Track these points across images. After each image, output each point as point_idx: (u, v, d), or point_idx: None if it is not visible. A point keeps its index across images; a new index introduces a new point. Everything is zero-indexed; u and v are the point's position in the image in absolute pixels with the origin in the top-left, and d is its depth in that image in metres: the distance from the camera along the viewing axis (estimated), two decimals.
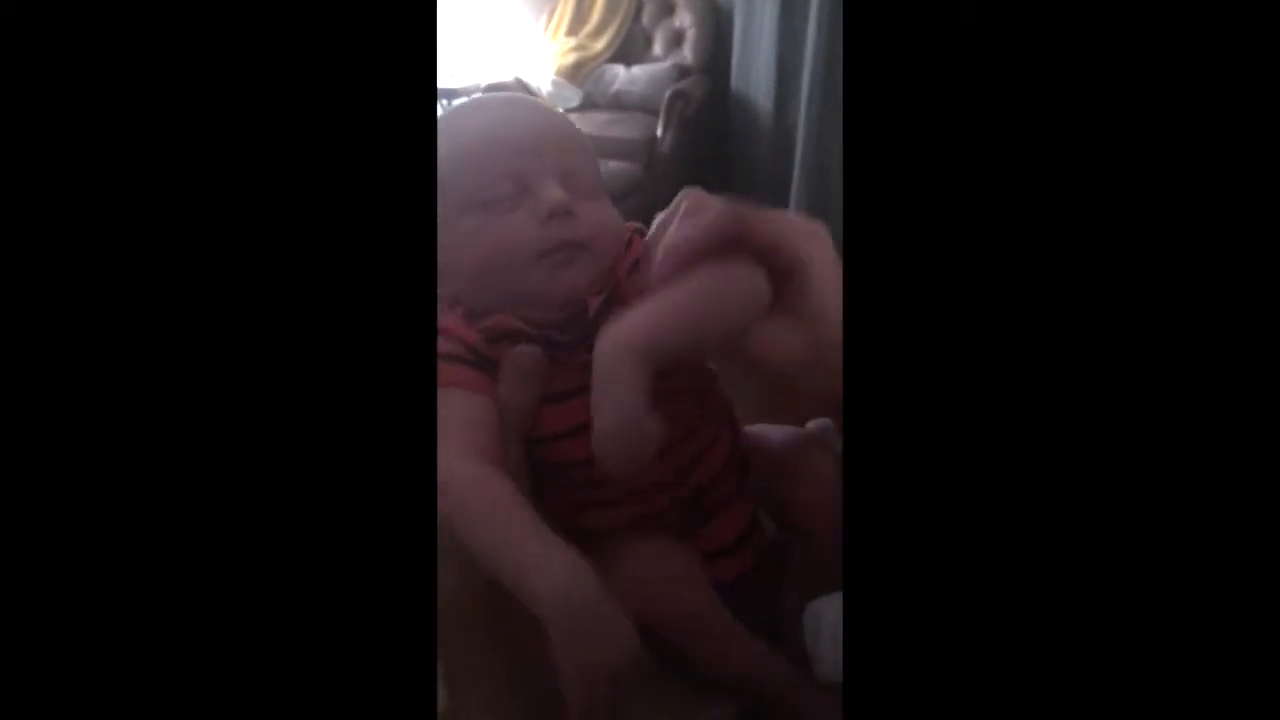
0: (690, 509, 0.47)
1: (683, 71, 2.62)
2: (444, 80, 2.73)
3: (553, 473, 0.44)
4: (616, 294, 0.44)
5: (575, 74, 2.74)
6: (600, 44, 2.80)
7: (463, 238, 0.42)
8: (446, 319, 0.42)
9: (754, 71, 2.39)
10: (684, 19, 2.72)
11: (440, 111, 0.44)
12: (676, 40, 2.74)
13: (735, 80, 2.50)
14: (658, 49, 2.79)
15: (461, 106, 0.48)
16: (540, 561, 0.35)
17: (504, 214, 0.41)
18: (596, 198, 0.44)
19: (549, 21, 2.89)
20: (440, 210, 0.41)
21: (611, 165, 2.34)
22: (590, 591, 0.35)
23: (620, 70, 2.72)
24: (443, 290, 0.43)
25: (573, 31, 2.84)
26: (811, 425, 0.56)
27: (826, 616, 0.45)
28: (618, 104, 2.68)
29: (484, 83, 2.75)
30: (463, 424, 0.39)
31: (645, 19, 2.82)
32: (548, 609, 0.35)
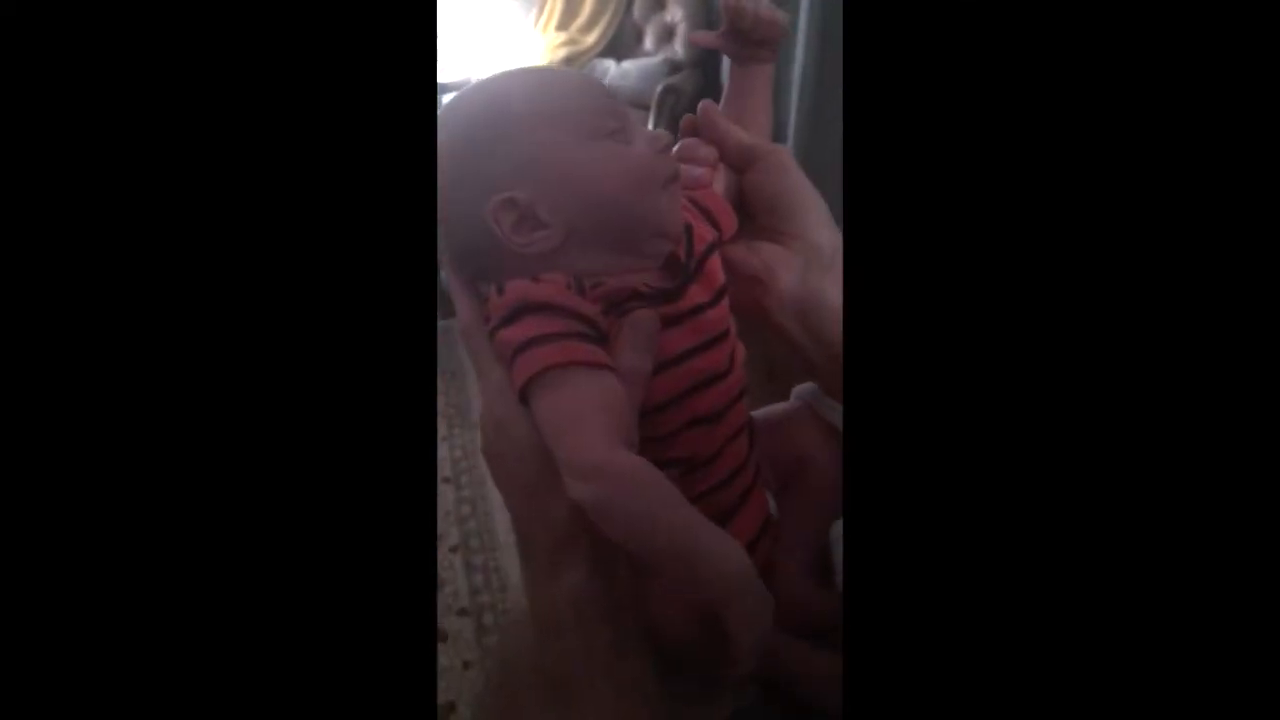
0: (724, 499, 0.47)
1: (674, 66, 2.62)
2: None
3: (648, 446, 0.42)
4: (692, 238, 0.45)
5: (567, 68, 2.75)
6: (591, 38, 2.80)
7: (592, 162, 0.40)
8: (547, 292, 0.39)
9: None
10: (675, 13, 2.72)
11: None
12: (668, 35, 2.75)
13: (726, 75, 2.50)
14: (649, 43, 2.79)
15: (515, 72, 0.46)
16: (715, 550, 0.35)
17: (626, 144, 0.41)
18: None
19: (540, 16, 2.89)
20: (551, 136, 0.40)
21: None
22: (756, 575, 0.35)
23: (611, 65, 2.73)
24: (549, 230, 0.40)
25: (563, 26, 2.84)
26: (797, 390, 0.56)
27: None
28: None
29: (475, 78, 2.75)
30: (599, 407, 0.37)
31: (636, 13, 2.82)
32: (731, 594, 0.35)
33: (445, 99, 0.45)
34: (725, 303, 0.43)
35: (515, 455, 0.38)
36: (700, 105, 0.47)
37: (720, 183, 0.46)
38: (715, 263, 0.44)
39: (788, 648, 0.47)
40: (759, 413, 0.54)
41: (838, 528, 0.47)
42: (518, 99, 0.41)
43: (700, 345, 0.41)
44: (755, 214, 0.47)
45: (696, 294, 0.42)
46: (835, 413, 0.52)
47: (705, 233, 0.44)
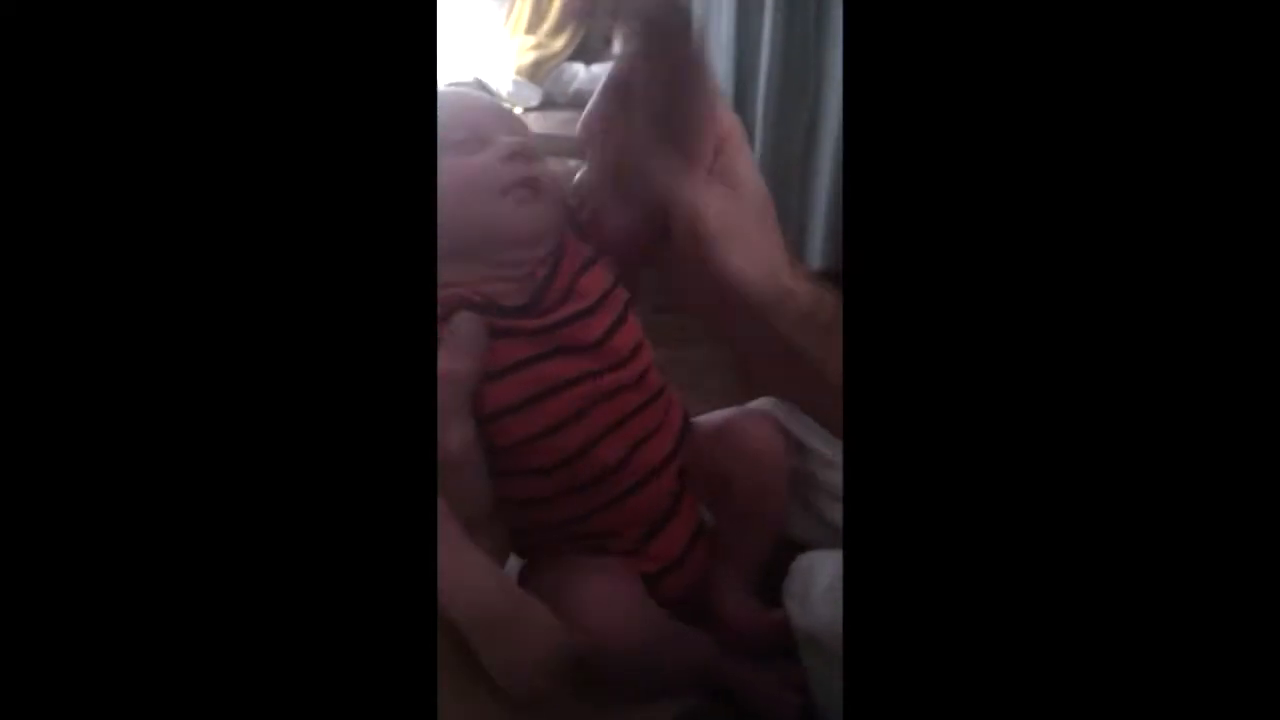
0: (641, 505, 0.47)
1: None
2: None
3: (502, 455, 0.44)
4: (562, 254, 0.45)
5: (535, 73, 2.74)
6: (559, 42, 2.80)
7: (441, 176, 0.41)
8: None
9: (712, 68, 2.39)
10: None
11: None
12: None
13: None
14: (618, 47, 2.80)
15: None
16: (451, 570, 0.34)
17: (466, 155, 0.43)
18: (536, 158, 0.46)
19: (507, 18, 2.89)
20: None
21: (571, 163, 2.33)
22: (497, 589, 0.36)
23: (580, 69, 2.72)
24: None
25: (532, 29, 2.83)
26: (755, 404, 0.56)
27: (823, 570, 0.44)
28: (578, 102, 2.66)
29: (444, 82, 2.74)
30: None
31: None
32: (462, 616, 0.35)
33: None
34: (606, 315, 0.44)
35: None
36: (722, 127, 0.44)
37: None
38: (592, 277, 0.45)
39: (730, 664, 0.48)
40: (702, 418, 0.54)
41: (807, 558, 0.47)
42: None
43: (549, 353, 0.42)
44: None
45: (563, 308, 0.43)
46: (804, 425, 0.52)
47: (579, 249, 0.45)
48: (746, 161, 0.44)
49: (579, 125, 0.45)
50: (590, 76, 2.69)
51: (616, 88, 0.44)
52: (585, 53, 2.81)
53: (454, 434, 0.39)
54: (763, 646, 0.48)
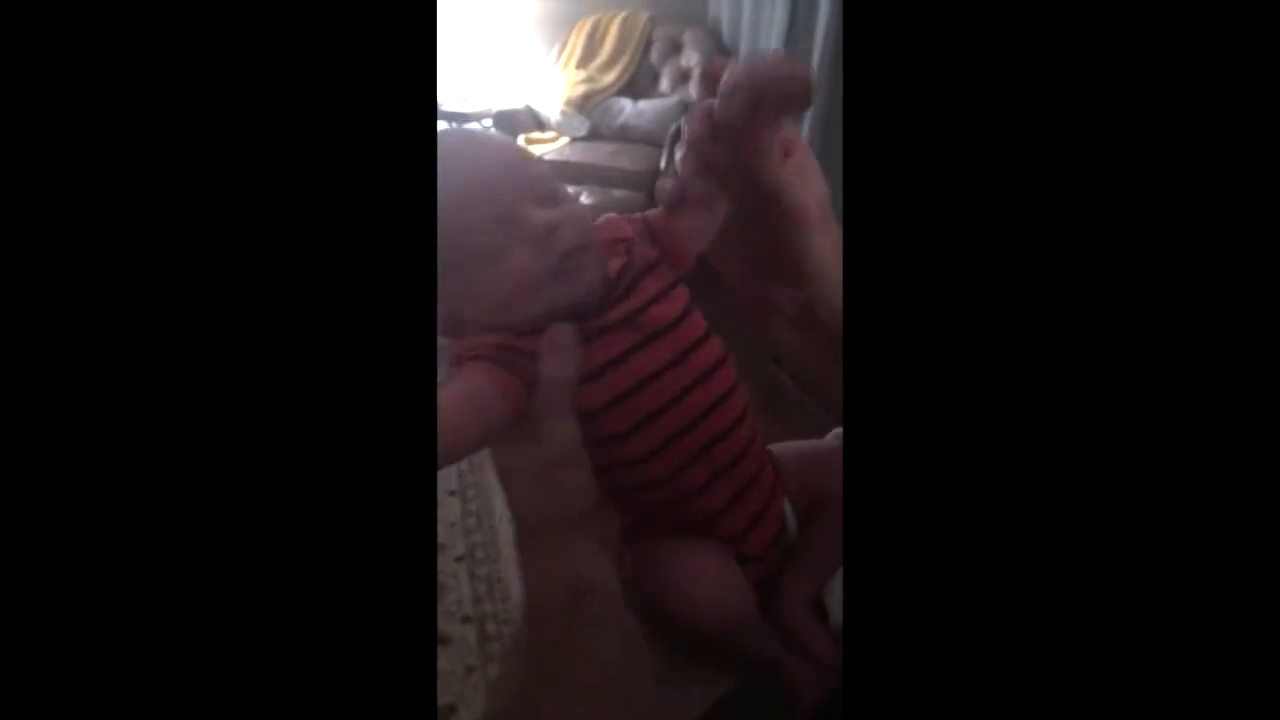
0: (736, 511, 0.50)
1: (688, 108, 2.70)
2: (457, 105, 2.82)
3: (610, 445, 0.46)
4: (635, 250, 0.48)
5: (584, 105, 2.82)
6: (609, 78, 2.88)
7: (482, 289, 0.44)
8: (460, 338, 0.44)
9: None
10: (690, 58, 2.81)
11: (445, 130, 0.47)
12: (683, 77, 2.83)
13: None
14: (664, 85, 2.87)
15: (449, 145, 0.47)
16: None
17: (504, 255, 0.43)
18: (559, 199, 0.47)
19: (560, 53, 2.98)
20: (445, 264, 0.41)
21: (616, 194, 2.41)
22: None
23: (627, 104, 2.81)
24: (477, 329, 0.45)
25: (583, 64, 2.92)
26: (831, 436, 0.60)
27: None
28: (624, 135, 2.76)
29: (495, 109, 2.84)
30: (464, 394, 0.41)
31: (654, 56, 2.91)
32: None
33: (471, 126, 0.48)
34: (665, 306, 0.47)
35: (512, 451, 0.42)
36: (787, 133, 0.45)
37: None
38: (653, 278, 0.47)
39: (781, 640, 0.50)
40: (791, 444, 0.57)
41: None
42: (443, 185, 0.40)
43: (634, 347, 0.45)
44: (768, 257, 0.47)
45: (626, 305, 0.46)
46: None
47: (645, 253, 0.48)
48: (815, 163, 0.48)
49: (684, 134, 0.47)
50: (636, 111, 2.77)
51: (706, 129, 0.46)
52: (634, 89, 2.91)
53: (559, 434, 0.41)
54: (814, 656, 0.51)
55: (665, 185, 0.49)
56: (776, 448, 0.57)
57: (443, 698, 1.31)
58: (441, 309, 0.44)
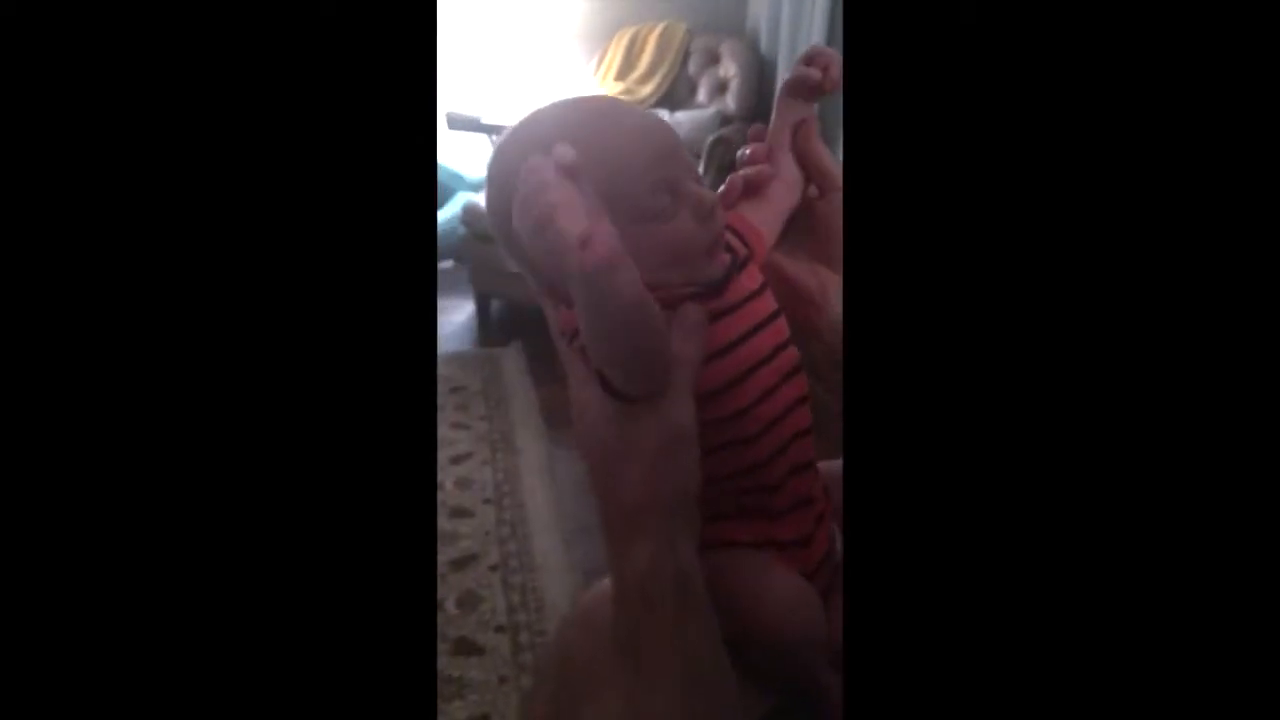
0: (794, 519, 0.51)
1: (725, 119, 2.70)
2: (493, 116, 2.85)
3: (716, 427, 0.46)
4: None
5: None
6: (647, 89, 2.90)
7: (639, 244, 0.41)
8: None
9: None
10: (728, 69, 2.81)
11: (490, 144, 0.50)
12: (720, 89, 2.84)
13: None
14: (702, 96, 2.88)
15: (559, 111, 0.48)
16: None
17: (670, 220, 0.45)
18: (699, 178, 0.49)
19: (599, 65, 3.00)
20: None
21: None
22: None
23: (665, 115, 2.81)
24: None
25: (622, 76, 2.94)
26: None
27: None
28: None
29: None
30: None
31: (691, 67, 2.91)
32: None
33: (541, 108, 0.47)
34: (762, 301, 0.48)
35: (594, 433, 0.42)
36: (804, 120, 0.54)
37: (783, 194, 0.53)
38: (749, 272, 0.49)
39: (830, 663, 0.49)
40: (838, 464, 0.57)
41: None
42: (583, 141, 0.40)
43: (747, 333, 0.47)
44: (821, 238, 0.52)
45: (737, 291, 0.47)
46: None
47: (736, 247, 0.49)
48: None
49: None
50: (674, 122, 2.77)
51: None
52: (672, 100, 2.92)
53: (683, 412, 0.42)
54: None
55: (737, 182, 0.52)
56: (824, 465, 0.56)
57: (476, 708, 1.32)
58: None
